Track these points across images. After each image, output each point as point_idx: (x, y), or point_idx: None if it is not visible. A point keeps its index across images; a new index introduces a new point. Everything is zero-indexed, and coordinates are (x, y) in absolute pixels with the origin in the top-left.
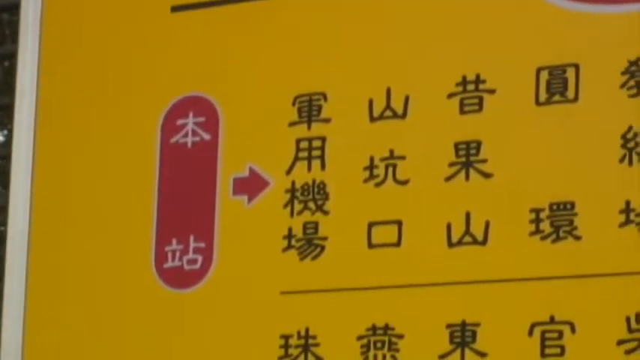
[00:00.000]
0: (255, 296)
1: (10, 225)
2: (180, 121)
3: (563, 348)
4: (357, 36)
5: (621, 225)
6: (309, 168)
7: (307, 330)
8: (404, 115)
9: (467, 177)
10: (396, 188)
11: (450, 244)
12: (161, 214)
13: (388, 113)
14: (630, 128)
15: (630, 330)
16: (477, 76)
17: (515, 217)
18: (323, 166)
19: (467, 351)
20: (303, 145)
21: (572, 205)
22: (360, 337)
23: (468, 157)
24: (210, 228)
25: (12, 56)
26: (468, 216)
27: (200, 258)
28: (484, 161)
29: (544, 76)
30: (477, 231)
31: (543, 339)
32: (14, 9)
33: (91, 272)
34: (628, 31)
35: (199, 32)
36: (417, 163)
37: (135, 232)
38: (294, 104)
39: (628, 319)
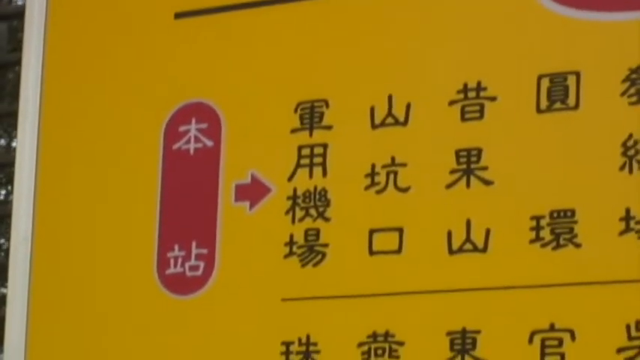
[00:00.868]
0: (256, 303)
1: (14, 231)
2: (182, 128)
3: (563, 355)
4: (359, 43)
5: (621, 233)
6: (311, 175)
7: (308, 337)
8: (405, 122)
9: (468, 184)
10: (397, 195)
11: (451, 252)
12: (163, 220)
13: (390, 120)
14: (631, 136)
15: (630, 337)
16: (479, 84)
17: (516, 224)
18: (324, 173)
19: (467, 358)
20: (305, 152)
21: (573, 212)
22: (360, 344)
23: (469, 164)
24: (212, 234)
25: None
26: (468, 223)
27: (202, 264)
28: (485, 168)
29: (545, 83)
30: (478, 238)
31: (543, 346)
32: (20, 17)
33: (94, 278)
34: (629, 39)
35: (202, 39)
36: (418, 170)
37: (137, 238)
38: (296, 111)
39: (628, 327)
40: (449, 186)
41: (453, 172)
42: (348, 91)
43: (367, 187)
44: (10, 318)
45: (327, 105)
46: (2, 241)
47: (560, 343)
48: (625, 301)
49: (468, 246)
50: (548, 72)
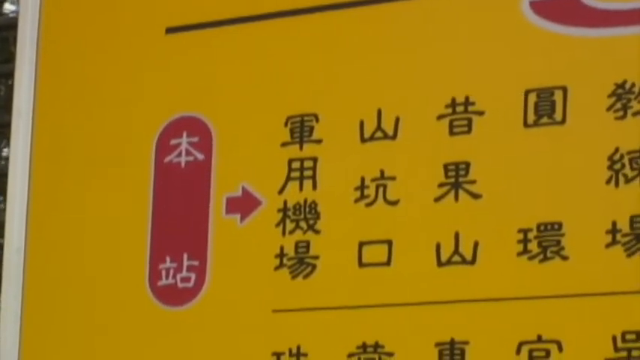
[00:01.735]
0: (247, 314)
1: (7, 242)
2: (174, 141)
3: None
4: (349, 58)
5: (608, 245)
6: (301, 188)
7: (299, 348)
8: (394, 136)
9: (456, 198)
10: (386, 208)
11: (440, 264)
12: (155, 232)
13: (379, 134)
14: (617, 150)
15: (617, 349)
16: (467, 98)
17: (504, 237)
18: (314, 186)
19: None
20: (295, 165)
21: (560, 225)
22: (350, 355)
23: (457, 177)
24: (204, 246)
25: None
26: (457, 236)
27: (193, 276)
28: (473, 182)
29: (532, 98)
30: (466, 251)
31: (531, 357)
32: (11, 28)
33: (86, 289)
34: (615, 54)
35: (194, 53)
36: (407, 183)
37: (129, 250)
38: (286, 125)
39: (614, 338)
40: (437, 199)
41: (441, 185)
42: (337, 105)
43: (357, 200)
44: (3, 328)
45: (317, 119)
46: None
47: (548, 354)
48: (611, 313)
49: (457, 258)
50: (535, 87)
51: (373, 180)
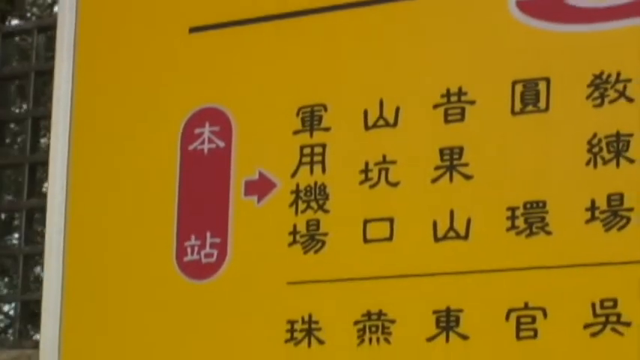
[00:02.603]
0: (264, 286)
1: (48, 224)
2: (197, 130)
3: (536, 331)
4: (354, 53)
5: (587, 221)
6: (312, 171)
7: (310, 316)
8: (395, 123)
9: (451, 179)
10: (388, 189)
11: (436, 239)
12: (181, 213)
13: (381, 122)
14: (595, 135)
15: (595, 315)
16: (460, 89)
17: (494, 214)
18: (324, 170)
19: (451, 334)
20: (306, 151)
21: (544, 203)
22: (356, 322)
23: (451, 161)
24: (225, 225)
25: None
26: (452, 213)
27: (215, 252)
28: (466, 165)
29: (519, 88)
30: (460, 227)
31: (519, 323)
32: (51, 29)
33: (120, 266)
34: (593, 48)
35: (214, 51)
36: (407, 166)
37: (158, 229)
38: (297, 115)
39: (593, 305)
40: (434, 180)
41: (437, 168)
42: (344, 96)
43: (361, 182)
44: (46, 301)
45: (326, 109)
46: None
47: (534, 320)
48: (591, 283)
49: (452, 234)
50: (522, 78)
51: (376, 164)
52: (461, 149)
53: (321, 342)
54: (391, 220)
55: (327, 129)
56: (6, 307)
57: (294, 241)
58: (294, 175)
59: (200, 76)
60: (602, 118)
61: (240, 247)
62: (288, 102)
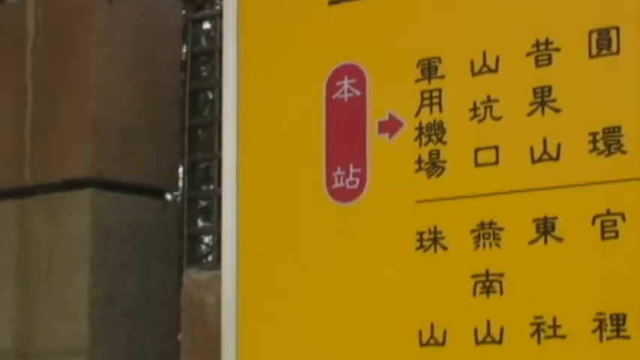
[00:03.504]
0: (397, 205)
1: (224, 168)
2: (338, 83)
3: (617, 232)
4: (461, 14)
5: None
6: (431, 111)
7: (435, 227)
8: (496, 70)
9: (542, 112)
10: (493, 123)
11: (533, 161)
12: (329, 150)
13: (485, 69)
14: None
15: None
16: (547, 39)
17: (579, 139)
18: (440, 110)
19: (549, 238)
20: (426, 95)
21: (619, 128)
22: (472, 231)
23: (542, 97)
24: (364, 158)
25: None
26: (544, 140)
27: (357, 180)
28: (554, 100)
29: (594, 36)
30: (552, 150)
31: (602, 226)
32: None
33: (284, 195)
34: None
35: (349, 18)
36: (507, 104)
37: (311, 164)
38: (417, 66)
39: None
40: (529, 114)
41: (531, 104)
42: (454, 50)
43: (471, 118)
44: (224, 231)
45: (440, 60)
46: None
47: (615, 223)
48: None
49: (545, 156)
50: (596, 27)
51: (482, 103)
52: (550, 88)
53: (445, 248)
54: (496, 148)
55: (441, 77)
56: (207, 239)
57: (420, 168)
58: (417, 114)
59: (338, 39)
60: None
61: (377, 175)
62: (410, 57)
